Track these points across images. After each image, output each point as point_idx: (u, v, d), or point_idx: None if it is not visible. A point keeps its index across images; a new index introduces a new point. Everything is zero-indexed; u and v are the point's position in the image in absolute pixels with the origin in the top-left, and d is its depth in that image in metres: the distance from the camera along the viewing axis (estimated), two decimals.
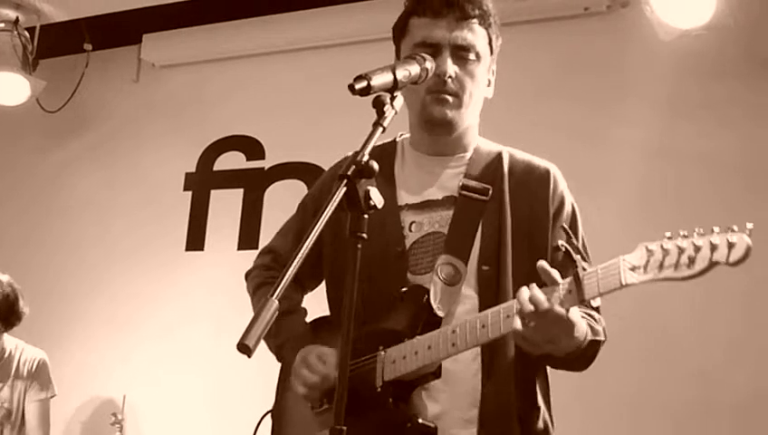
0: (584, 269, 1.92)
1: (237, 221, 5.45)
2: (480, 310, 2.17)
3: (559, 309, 1.94)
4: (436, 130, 2.36)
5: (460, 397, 2.20)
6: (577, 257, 1.93)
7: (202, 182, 5.67)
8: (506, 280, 2.24)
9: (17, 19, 5.54)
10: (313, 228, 1.69)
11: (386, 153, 2.43)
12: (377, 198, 1.78)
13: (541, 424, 2.27)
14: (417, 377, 2.16)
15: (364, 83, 1.87)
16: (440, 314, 2.21)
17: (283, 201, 5.30)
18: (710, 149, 4.26)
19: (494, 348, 2.19)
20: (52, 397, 4.63)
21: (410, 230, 2.33)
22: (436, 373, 2.15)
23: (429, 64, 2.10)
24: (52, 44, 5.76)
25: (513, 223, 2.29)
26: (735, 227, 1.76)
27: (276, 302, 1.57)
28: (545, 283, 1.98)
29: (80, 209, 5.96)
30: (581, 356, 2.14)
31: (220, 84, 5.75)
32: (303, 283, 2.56)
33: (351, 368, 2.09)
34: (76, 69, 6.04)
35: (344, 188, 1.75)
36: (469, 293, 2.25)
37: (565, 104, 4.59)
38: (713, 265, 1.76)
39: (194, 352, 5.29)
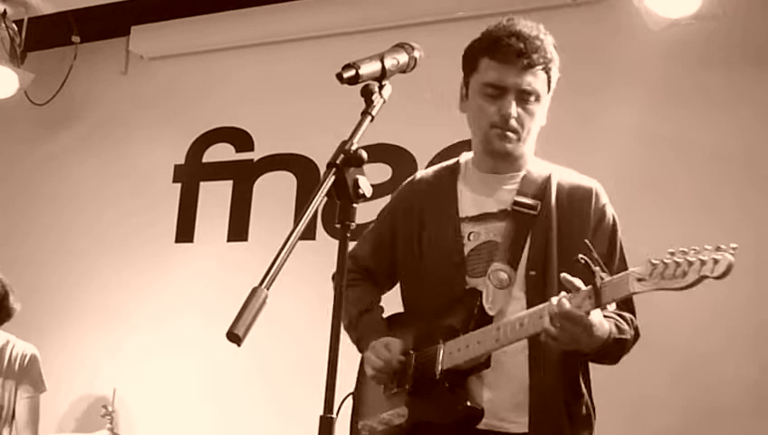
0: (602, 278, 2.23)
1: (227, 213, 5.44)
2: (528, 308, 2.48)
3: (579, 312, 2.24)
4: (497, 158, 2.67)
5: (509, 384, 2.51)
6: (596, 269, 2.22)
7: (191, 174, 5.65)
8: (551, 284, 2.51)
9: (5, 12, 5.52)
10: (303, 217, 1.70)
11: (450, 172, 2.79)
12: (365, 187, 1.80)
13: (584, 410, 2.59)
14: (470, 366, 2.48)
15: (352, 72, 1.90)
16: (491, 313, 2.52)
17: (272, 193, 5.32)
18: (700, 138, 4.26)
19: (541, 342, 2.42)
20: (42, 393, 4.62)
21: (469, 239, 2.64)
22: (486, 363, 2.48)
23: (417, 54, 2.14)
24: (40, 37, 5.74)
25: (559, 234, 2.59)
26: (723, 246, 2.07)
27: (266, 291, 1.58)
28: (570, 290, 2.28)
29: (68, 201, 5.95)
30: (608, 352, 2.44)
31: (208, 76, 5.74)
32: (381, 284, 2.91)
33: (416, 357, 2.57)
34: (64, 61, 6.03)
35: (333, 177, 1.75)
36: (519, 295, 2.55)
37: (554, 95, 4.58)
38: (701, 278, 2.07)
39: (184, 343, 5.29)
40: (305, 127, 5.27)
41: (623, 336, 2.46)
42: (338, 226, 1.80)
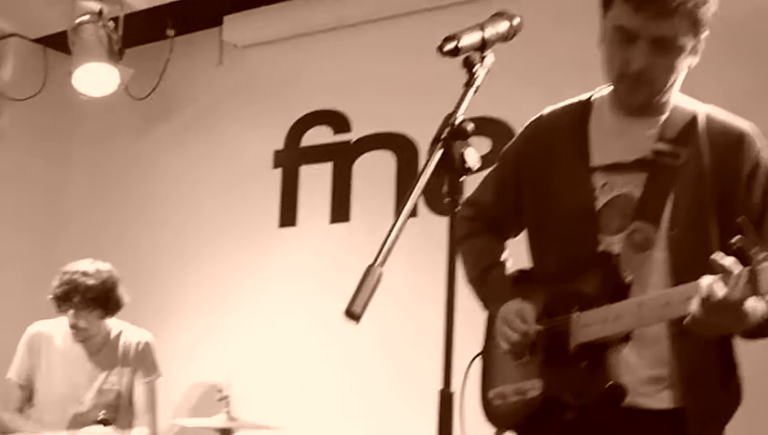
0: (760, 263, 1.93)
1: (328, 195, 5.48)
2: (672, 273, 2.27)
3: (733, 301, 1.97)
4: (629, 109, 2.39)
5: (647, 356, 2.27)
6: (753, 252, 1.93)
7: (291, 158, 5.69)
8: (699, 245, 2.25)
9: (101, 10, 5.62)
10: (411, 194, 1.70)
11: (581, 112, 2.49)
12: (472, 160, 1.78)
13: (737, 382, 2.36)
14: (607, 341, 2.23)
15: (453, 44, 1.87)
16: (628, 280, 2.26)
17: (371, 172, 5.33)
18: None
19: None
20: (158, 378, 4.73)
21: (601, 192, 2.37)
22: (626, 338, 2.23)
23: (517, 22, 2.09)
24: (137, 33, 5.84)
25: (707, 187, 2.30)
26: None
27: (380, 269, 1.58)
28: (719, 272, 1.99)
29: (171, 193, 6.06)
30: (758, 333, 2.19)
31: (302, 60, 5.76)
32: (504, 233, 2.67)
33: (546, 326, 2.32)
34: (161, 55, 6.11)
35: (441, 151, 1.74)
36: (660, 257, 2.29)
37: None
38: None
39: (297, 322, 5.37)
40: (401, 105, 5.26)
41: None
42: (447, 201, 1.79)
